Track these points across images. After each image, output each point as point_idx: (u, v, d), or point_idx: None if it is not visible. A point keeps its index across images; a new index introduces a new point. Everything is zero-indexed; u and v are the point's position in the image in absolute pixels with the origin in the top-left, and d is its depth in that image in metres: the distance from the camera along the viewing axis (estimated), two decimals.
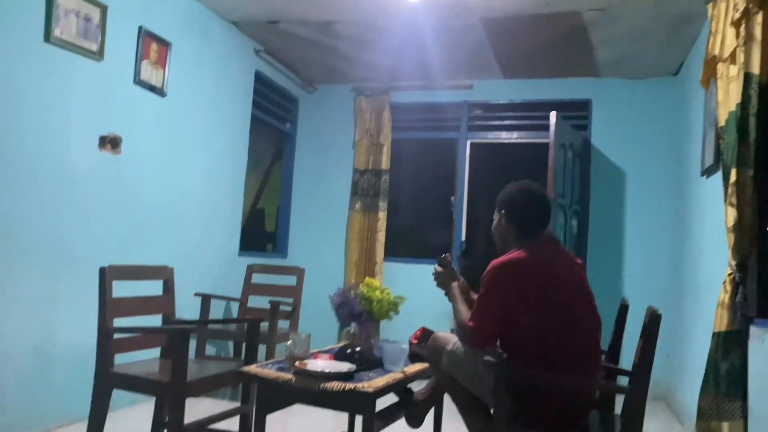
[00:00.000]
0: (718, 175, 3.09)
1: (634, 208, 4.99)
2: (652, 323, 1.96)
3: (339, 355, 2.54)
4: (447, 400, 2.62)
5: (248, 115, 4.86)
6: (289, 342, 2.49)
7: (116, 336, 2.53)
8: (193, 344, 3.84)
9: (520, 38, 4.41)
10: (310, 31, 4.53)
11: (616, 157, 5.06)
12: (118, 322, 2.56)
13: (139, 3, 3.56)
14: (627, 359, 2.68)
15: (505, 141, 5.45)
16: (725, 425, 2.36)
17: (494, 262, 2.17)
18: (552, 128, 4.49)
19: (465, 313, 2.25)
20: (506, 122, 5.43)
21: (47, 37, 2.95)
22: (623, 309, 2.70)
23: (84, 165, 3.22)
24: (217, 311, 4.39)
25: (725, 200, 2.51)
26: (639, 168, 5.00)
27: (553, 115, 4.52)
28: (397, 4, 3.92)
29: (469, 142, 5.49)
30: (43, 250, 2.99)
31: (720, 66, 2.68)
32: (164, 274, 2.96)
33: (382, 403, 2.37)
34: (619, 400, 2.27)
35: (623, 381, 2.56)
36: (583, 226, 5.04)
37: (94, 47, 3.22)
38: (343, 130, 5.74)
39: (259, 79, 5.01)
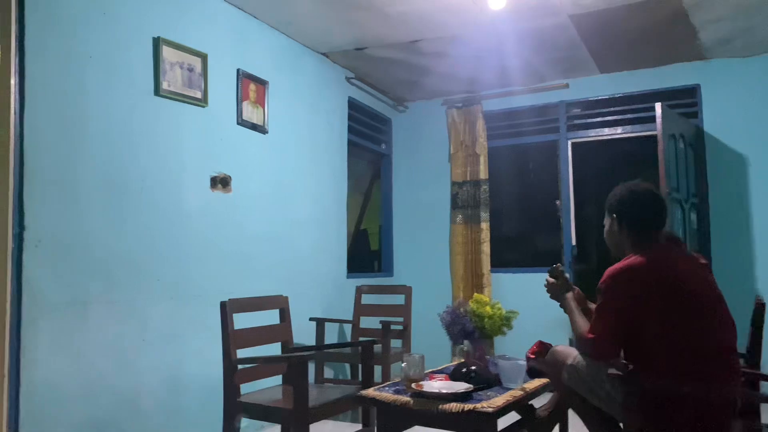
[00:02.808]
0: None
1: (761, 195, 4.59)
2: None
3: (455, 375, 2.51)
4: (571, 415, 2.52)
5: (345, 140, 4.98)
6: (403, 363, 2.50)
7: (240, 367, 2.64)
8: (311, 368, 3.95)
9: (615, 30, 4.23)
10: (396, 52, 4.59)
11: (734, 143, 4.70)
12: (241, 352, 2.68)
13: (235, 47, 3.77)
14: None
15: (609, 137, 5.21)
16: None
17: (610, 269, 2.07)
18: (658, 119, 4.24)
19: (583, 325, 2.16)
20: (608, 118, 5.19)
21: (157, 90, 3.18)
22: (759, 308, 2.49)
23: (198, 204, 3.43)
24: (331, 333, 4.50)
25: None
26: (762, 151, 4.60)
27: (658, 105, 4.28)
28: (480, 13, 3.88)
29: (569, 143, 5.31)
30: (168, 286, 3.20)
31: None
32: (280, 303, 3.08)
33: (503, 422, 2.32)
34: (765, 408, 2.08)
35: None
36: (704, 219, 4.70)
37: (199, 94, 3.44)
38: (437, 145, 5.74)
39: (352, 104, 5.13)
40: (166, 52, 3.22)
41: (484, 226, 5.40)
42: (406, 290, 4.48)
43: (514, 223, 7.00)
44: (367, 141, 5.50)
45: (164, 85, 3.21)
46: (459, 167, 5.55)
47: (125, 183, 3.00)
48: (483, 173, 5.45)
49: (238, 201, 3.71)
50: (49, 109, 2.66)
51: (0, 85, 2.54)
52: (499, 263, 5.47)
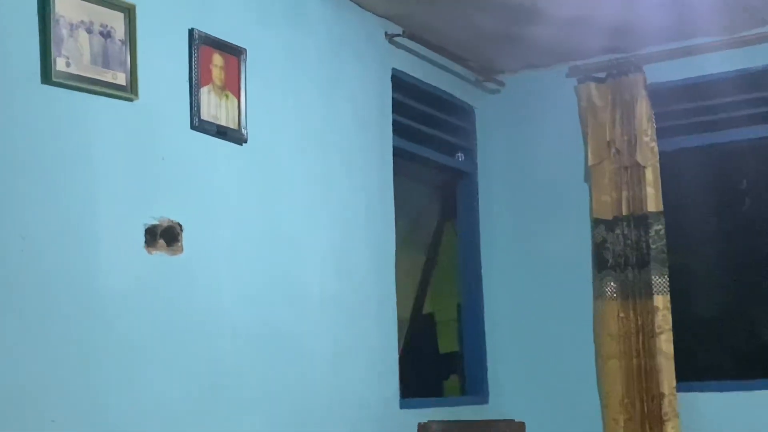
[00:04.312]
0: None
1: None
2: None
3: None
4: None
5: (389, 148, 5.05)
6: None
7: None
8: None
9: None
10: None
11: None
12: None
13: None
14: None
15: None
16: None
17: None
18: None
19: None
20: None
21: (46, 74, 3.23)
22: None
23: (124, 279, 3.46)
24: None
25: None
26: None
27: None
28: None
29: None
30: None
31: None
32: None
33: None
34: None
35: None
36: None
37: (121, 78, 3.50)
38: (562, 150, 5.76)
39: (400, 83, 5.20)
40: (62, 5, 3.30)
41: (660, 301, 5.35)
42: (513, 429, 4.42)
43: (716, 294, 6.86)
44: (430, 148, 5.54)
45: (59, 65, 3.28)
46: (605, 191, 5.54)
47: None
48: (653, 202, 5.42)
49: (195, 269, 3.74)
50: None
51: None
52: (693, 373, 5.44)
